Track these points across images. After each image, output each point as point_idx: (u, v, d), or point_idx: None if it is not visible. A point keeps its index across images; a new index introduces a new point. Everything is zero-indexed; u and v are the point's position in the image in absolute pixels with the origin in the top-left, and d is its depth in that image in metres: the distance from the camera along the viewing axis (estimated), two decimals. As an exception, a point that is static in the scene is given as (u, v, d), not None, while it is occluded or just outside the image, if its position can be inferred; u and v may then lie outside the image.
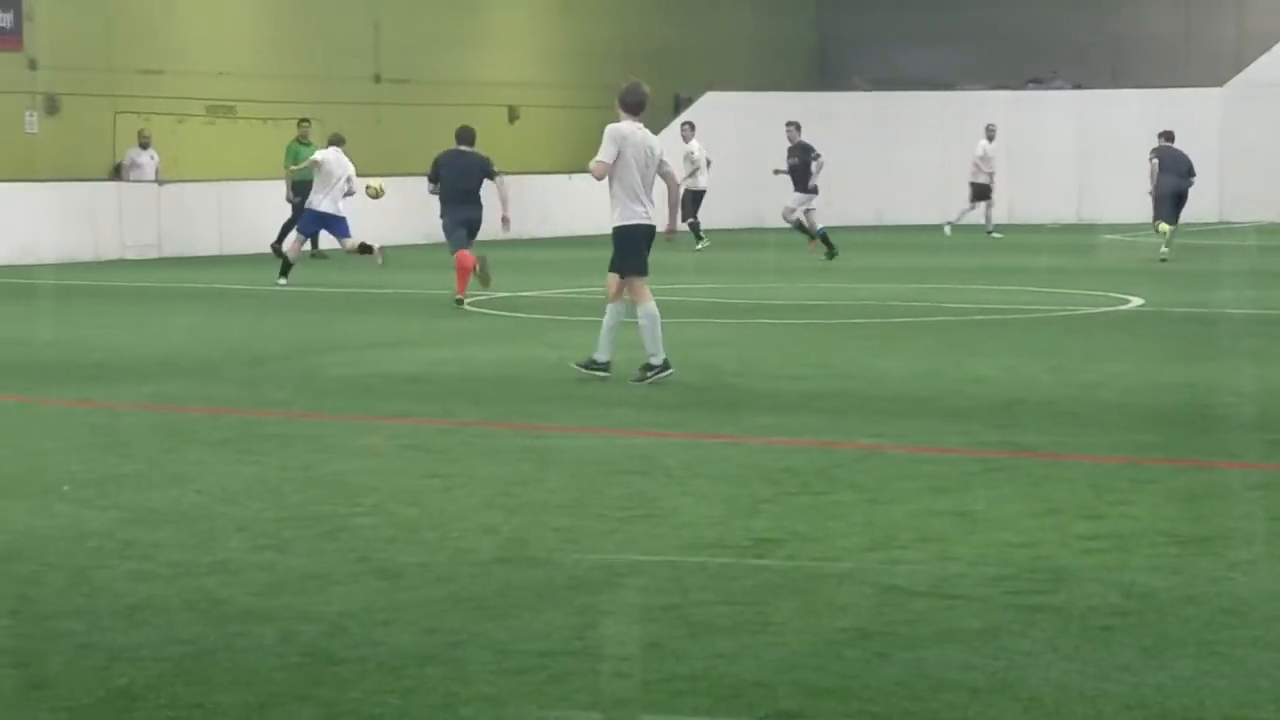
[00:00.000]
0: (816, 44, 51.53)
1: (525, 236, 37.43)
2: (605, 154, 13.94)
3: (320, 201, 23.90)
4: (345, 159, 24.23)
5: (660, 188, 14.18)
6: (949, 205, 39.19)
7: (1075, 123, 43.64)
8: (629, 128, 14.01)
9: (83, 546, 8.08)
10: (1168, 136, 30.46)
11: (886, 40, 49.68)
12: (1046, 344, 16.55)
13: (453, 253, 21.41)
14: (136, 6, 34.59)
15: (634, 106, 14.09)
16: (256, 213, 33.16)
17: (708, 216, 35.70)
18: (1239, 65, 44.05)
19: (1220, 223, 41.39)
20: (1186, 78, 44.44)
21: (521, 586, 7.27)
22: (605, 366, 13.92)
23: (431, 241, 35.76)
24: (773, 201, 38.81)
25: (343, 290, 23.98)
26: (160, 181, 31.92)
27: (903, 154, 42.83)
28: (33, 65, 32.84)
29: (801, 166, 31.73)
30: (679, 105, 43.85)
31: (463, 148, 22.18)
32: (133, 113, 33.96)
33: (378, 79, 39.44)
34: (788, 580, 7.37)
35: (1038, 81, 46.77)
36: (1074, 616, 6.75)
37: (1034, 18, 48.52)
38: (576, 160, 42.35)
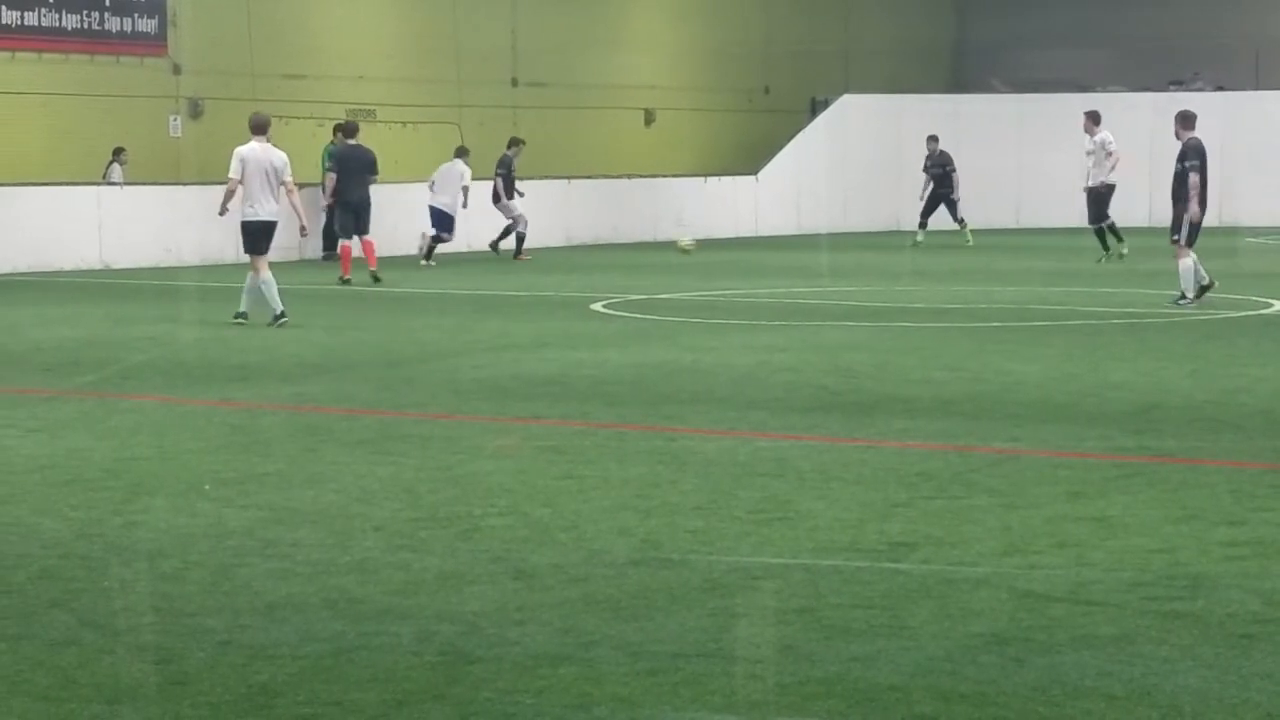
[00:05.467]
0: (954, 46, 51.18)
1: (659, 239, 37.53)
2: (233, 171, 19.20)
3: (441, 200, 29.33)
4: (466, 167, 29.81)
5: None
6: (1081, 206, 38.64)
7: (1217, 125, 42.98)
8: (248, 149, 19.01)
9: (223, 545, 8.20)
10: None
11: (1024, 42, 49.22)
12: (1185, 348, 16.34)
13: (344, 239, 25.00)
14: (277, 11, 35.04)
15: (256, 129, 19.12)
16: (396, 217, 33.45)
17: (845, 219, 35.57)
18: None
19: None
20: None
21: (655, 588, 7.29)
22: (244, 316, 19.12)
23: (569, 244, 35.97)
24: (913, 203, 38.69)
25: (479, 293, 24.15)
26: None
27: (1041, 156, 42.42)
28: (176, 70, 33.37)
29: (945, 176, 32.51)
30: (815, 108, 43.74)
31: (350, 141, 25.32)
32: (275, 116, 34.37)
33: (515, 83, 39.67)
34: (923, 585, 7.33)
35: (1179, 83, 46.15)
36: (1213, 624, 6.67)
37: (1174, 19, 47.90)
38: (713, 163, 42.48)
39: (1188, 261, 20.32)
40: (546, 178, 37.24)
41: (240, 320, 19.17)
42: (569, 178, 37.52)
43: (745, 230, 38.25)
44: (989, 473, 9.90)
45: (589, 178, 38.14)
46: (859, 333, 18.10)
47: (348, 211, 25.73)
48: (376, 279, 25.05)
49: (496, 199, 32.21)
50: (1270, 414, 12.15)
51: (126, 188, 30.88)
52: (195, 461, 10.54)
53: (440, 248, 30.37)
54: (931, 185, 35.42)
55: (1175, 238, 20.39)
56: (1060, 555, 7.84)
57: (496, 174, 32.29)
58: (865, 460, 10.37)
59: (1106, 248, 29.08)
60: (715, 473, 9.95)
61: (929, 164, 35.53)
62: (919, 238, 35.08)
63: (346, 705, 5.82)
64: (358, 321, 20.07)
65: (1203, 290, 20.42)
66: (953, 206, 35.43)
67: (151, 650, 6.51)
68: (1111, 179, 29.36)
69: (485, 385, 14.09)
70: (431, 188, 30.51)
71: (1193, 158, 20.43)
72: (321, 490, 9.54)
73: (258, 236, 19.45)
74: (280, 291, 19.21)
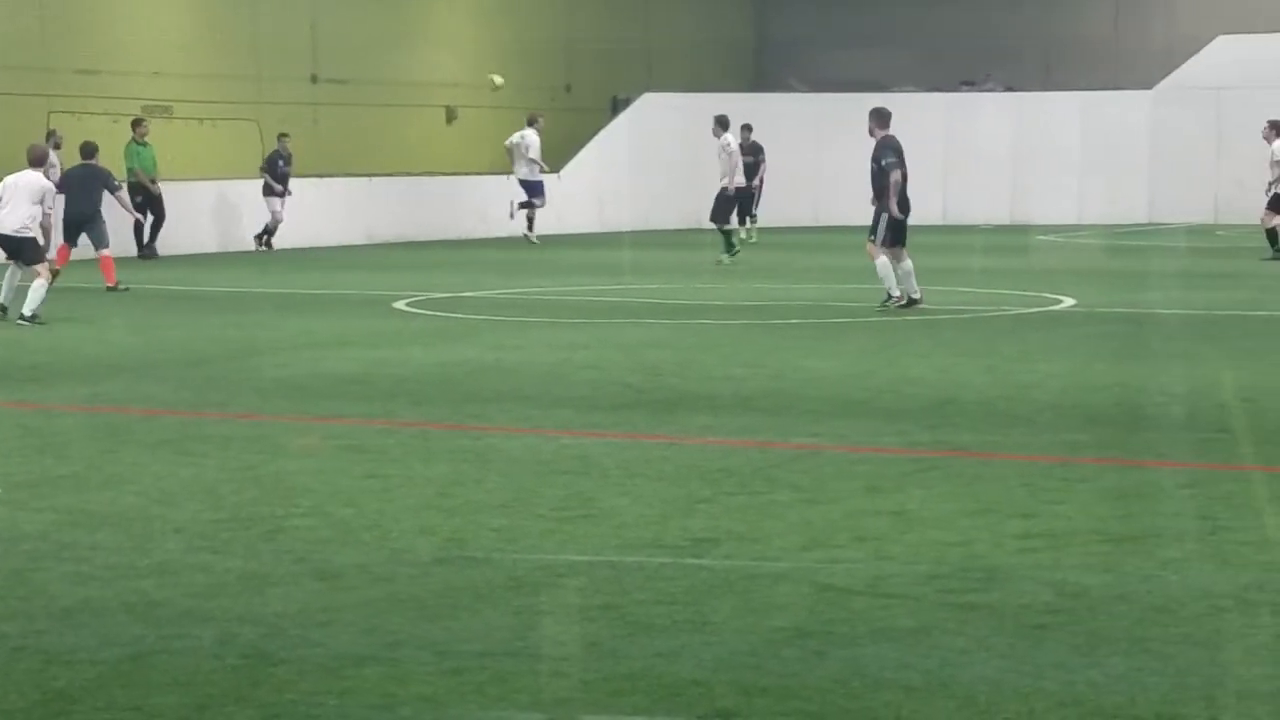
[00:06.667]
0: (754, 45, 51.65)
1: (462, 236, 37.42)
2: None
3: (521, 171, 34.12)
4: (535, 137, 34.09)
5: None
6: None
7: (1008, 125, 43.90)
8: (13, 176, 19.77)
9: (18, 549, 8.05)
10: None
11: (822, 42, 49.82)
12: (980, 344, 16.67)
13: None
14: (70, 6, 34.37)
15: (35, 162, 19.91)
16: (187, 213, 32.97)
17: (647, 217, 35.78)
18: (1168, 68, 44.42)
19: (1150, 224, 41.73)
20: (1116, 80, 44.78)
21: (460, 587, 7.30)
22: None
23: (370, 242, 35.74)
24: (710, 202, 38.93)
25: (279, 291, 23.91)
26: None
27: (838, 155, 42.93)
28: (-35, 64, 32.60)
29: (755, 166, 32.92)
30: (617, 106, 43.88)
31: (88, 161, 25.04)
32: (67, 112, 33.74)
33: (315, 79, 39.31)
34: (725, 580, 7.41)
35: (970, 83, 47.03)
36: (1007, 615, 6.82)
37: (967, 21, 48.77)
38: (514, 161, 42.27)
39: (883, 260, 19.73)
40: (348, 175, 36.97)
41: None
42: (370, 175, 37.28)
43: (548, 228, 38.26)
44: (790, 468, 10.03)
45: (390, 175, 37.93)
46: (661, 330, 18.22)
47: (73, 227, 24.91)
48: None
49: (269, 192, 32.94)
50: (1060, 408, 12.44)
51: (-87, 184, 30.08)
52: (-12, 464, 10.33)
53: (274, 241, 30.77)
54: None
55: (872, 238, 19.80)
56: (859, 549, 7.97)
57: (261, 169, 32.71)
58: (668, 457, 10.45)
59: (731, 246, 28.91)
60: (519, 471, 9.96)
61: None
62: (747, 234, 35.13)
63: (147, 710, 5.75)
64: (156, 320, 19.77)
65: (912, 302, 19.75)
66: (750, 200, 35.53)
67: (-55, 657, 6.38)
68: (739, 181, 29.58)
69: (287, 384, 13.97)
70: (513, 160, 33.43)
71: (890, 155, 19.69)
72: (120, 492, 9.40)
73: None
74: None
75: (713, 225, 29.79)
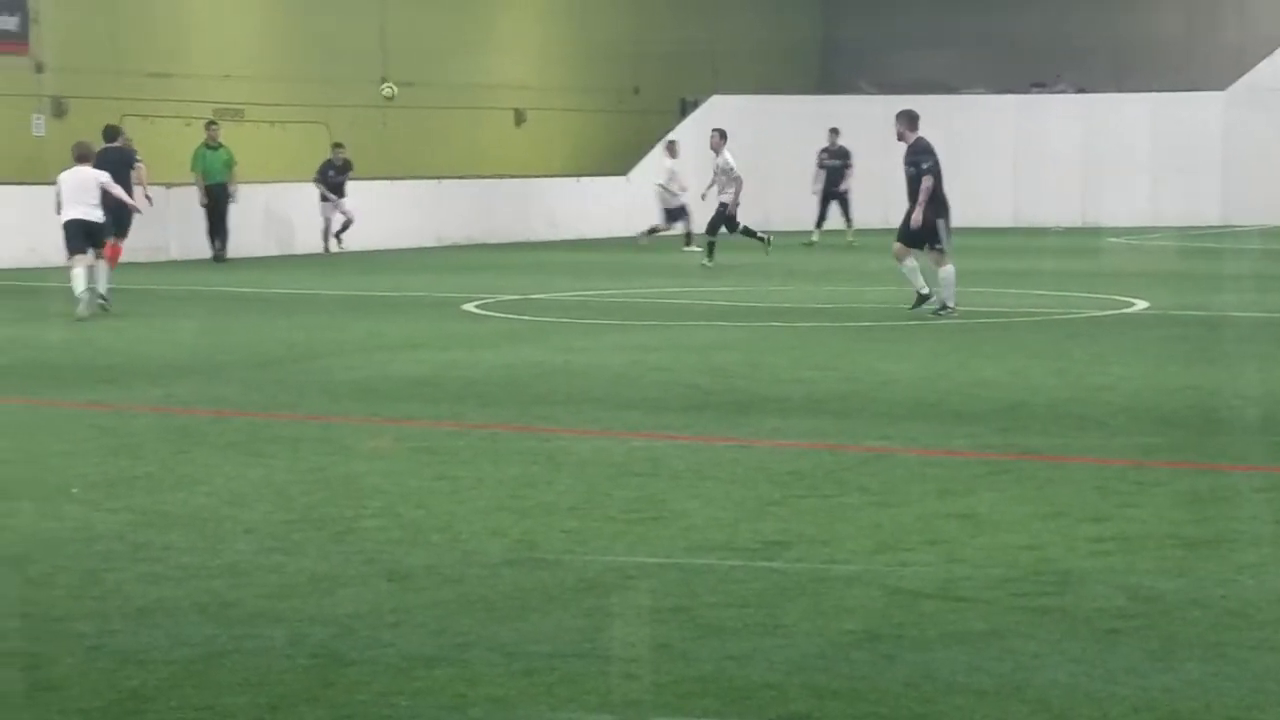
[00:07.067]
0: (822, 47, 51.54)
1: (533, 239, 37.49)
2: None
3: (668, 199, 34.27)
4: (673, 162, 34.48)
5: None
6: (953, 207, 39.06)
7: (1079, 127, 43.65)
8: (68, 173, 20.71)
9: (93, 549, 8.10)
10: None
11: (891, 44, 49.66)
12: (1052, 347, 16.56)
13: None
14: (143, 9, 34.64)
15: (80, 158, 20.91)
16: (256, 216, 33.20)
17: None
18: (1241, 69, 44.07)
19: (1223, 226, 41.42)
20: (1189, 82, 44.47)
21: (530, 588, 7.30)
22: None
23: (440, 244, 35.87)
24: (780, 203, 38.95)
25: (350, 293, 24.02)
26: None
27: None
28: (39, 68, 32.90)
29: (842, 170, 33.45)
30: (685, 108, 43.86)
31: (111, 144, 25.64)
32: (139, 116, 34.01)
33: (384, 82, 39.45)
34: (796, 582, 7.39)
35: (1041, 85, 46.79)
36: (1080, 619, 6.77)
37: (1037, 22, 48.53)
38: (583, 163, 42.50)
39: (949, 269, 19.21)
40: (417, 178, 37.11)
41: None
42: (439, 178, 37.41)
43: (617, 230, 38.27)
44: (860, 471, 9.99)
45: (460, 178, 38.04)
46: (731, 332, 18.19)
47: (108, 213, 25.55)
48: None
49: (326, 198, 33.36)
50: (1133, 411, 12.34)
51: (-13, 187, 30.40)
52: (62, 464, 10.41)
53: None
54: (825, 179, 35.64)
55: (939, 246, 19.15)
56: (931, 552, 7.93)
57: (315, 179, 33.37)
58: (738, 459, 10.43)
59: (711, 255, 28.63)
60: (590, 473, 9.96)
61: (825, 157, 35.72)
62: (814, 237, 35.22)
63: (219, 710, 5.77)
64: (227, 322, 19.90)
65: (922, 300, 19.38)
66: (845, 203, 35.70)
67: (20, 656, 6.42)
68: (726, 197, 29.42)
69: (357, 386, 14.02)
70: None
71: (929, 159, 19.13)
72: (192, 493, 9.45)
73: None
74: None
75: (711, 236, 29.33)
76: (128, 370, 15.29)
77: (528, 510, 8.91)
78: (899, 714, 5.69)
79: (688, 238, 34.68)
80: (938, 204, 19.27)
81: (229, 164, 31.63)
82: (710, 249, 28.67)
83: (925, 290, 19.48)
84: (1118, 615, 6.82)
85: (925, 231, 19.24)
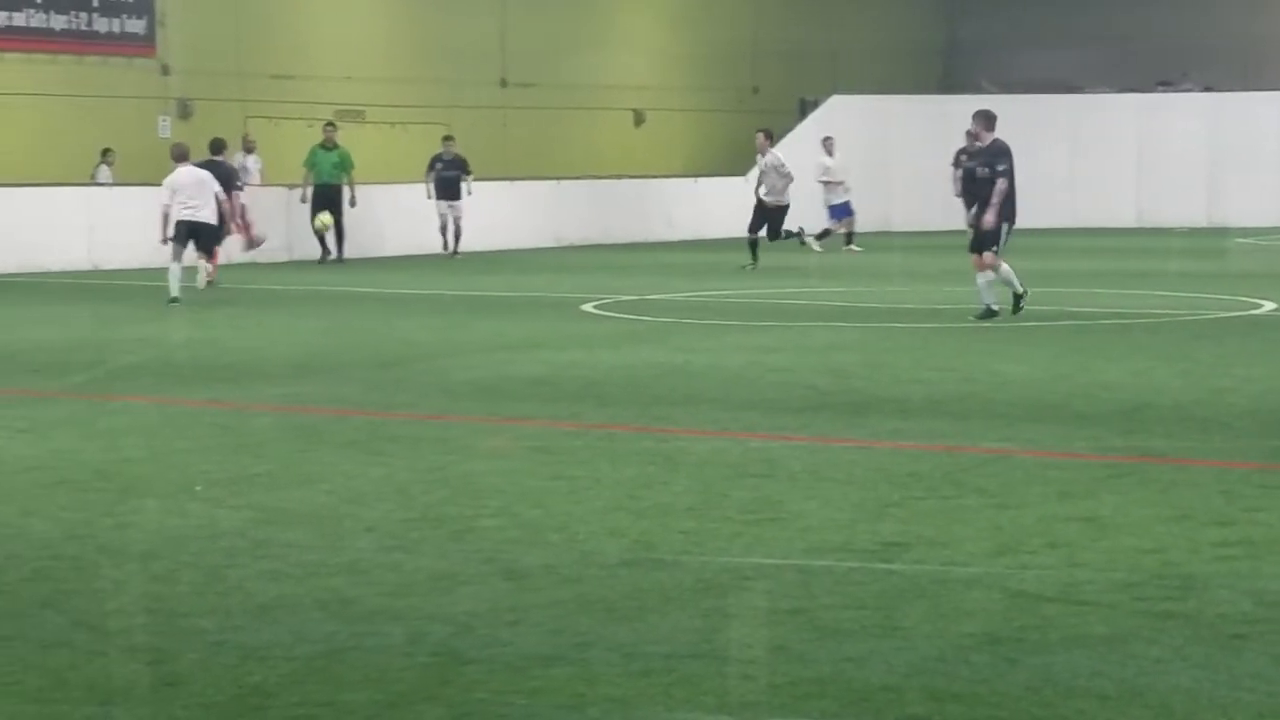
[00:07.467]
0: (943, 47, 51.23)
1: (651, 240, 37.53)
2: (164, 196, 22.72)
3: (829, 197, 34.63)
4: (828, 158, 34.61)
5: None
6: (1076, 207, 38.81)
7: (1205, 126, 43.11)
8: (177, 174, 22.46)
9: (215, 546, 8.19)
10: None
11: (1013, 43, 49.28)
12: (1175, 348, 16.36)
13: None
14: (266, 12, 35.03)
15: (179, 158, 22.72)
16: (386, 217, 33.48)
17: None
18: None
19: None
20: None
21: (648, 589, 7.30)
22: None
23: (559, 245, 35.99)
24: (900, 204, 38.74)
25: (470, 293, 24.15)
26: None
27: (1031, 158, 42.44)
28: (165, 71, 33.37)
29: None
30: (804, 108, 43.74)
31: (214, 158, 25.93)
32: (263, 117, 34.41)
33: (504, 83, 39.67)
34: (915, 584, 7.34)
35: (1167, 83, 46.24)
36: (1204, 624, 6.68)
37: (1163, 19, 47.96)
38: (702, 164, 42.49)
39: (998, 272, 18.74)
40: (536, 178, 37.25)
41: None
42: (558, 178, 37.53)
43: (735, 231, 38.24)
44: (980, 473, 9.91)
45: (578, 178, 38.15)
46: (850, 333, 18.12)
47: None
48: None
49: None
50: (1259, 414, 12.17)
51: (115, 188, 30.85)
52: (186, 462, 10.53)
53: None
54: (964, 179, 35.32)
55: (994, 249, 18.63)
56: (1051, 555, 7.85)
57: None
58: (857, 460, 10.38)
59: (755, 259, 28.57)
60: (707, 473, 9.95)
61: (965, 158, 35.40)
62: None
63: (339, 706, 5.82)
64: (347, 322, 20.07)
65: (992, 313, 18.76)
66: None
67: (143, 651, 6.50)
68: (785, 200, 29.57)
69: (476, 386, 14.09)
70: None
71: (1005, 161, 18.66)
72: (313, 491, 9.53)
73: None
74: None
75: (780, 238, 29.52)
76: (250, 370, 15.46)
77: (645, 511, 8.92)
78: (1019, 718, 5.64)
79: (848, 237, 34.66)
80: (1008, 207, 18.85)
81: (340, 166, 31.57)
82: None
83: (1021, 289, 19.07)
84: (1243, 620, 6.72)
85: (991, 234, 18.79)
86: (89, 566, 7.85)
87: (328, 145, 31.74)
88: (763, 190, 29.91)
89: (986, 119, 19.15)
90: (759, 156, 30.60)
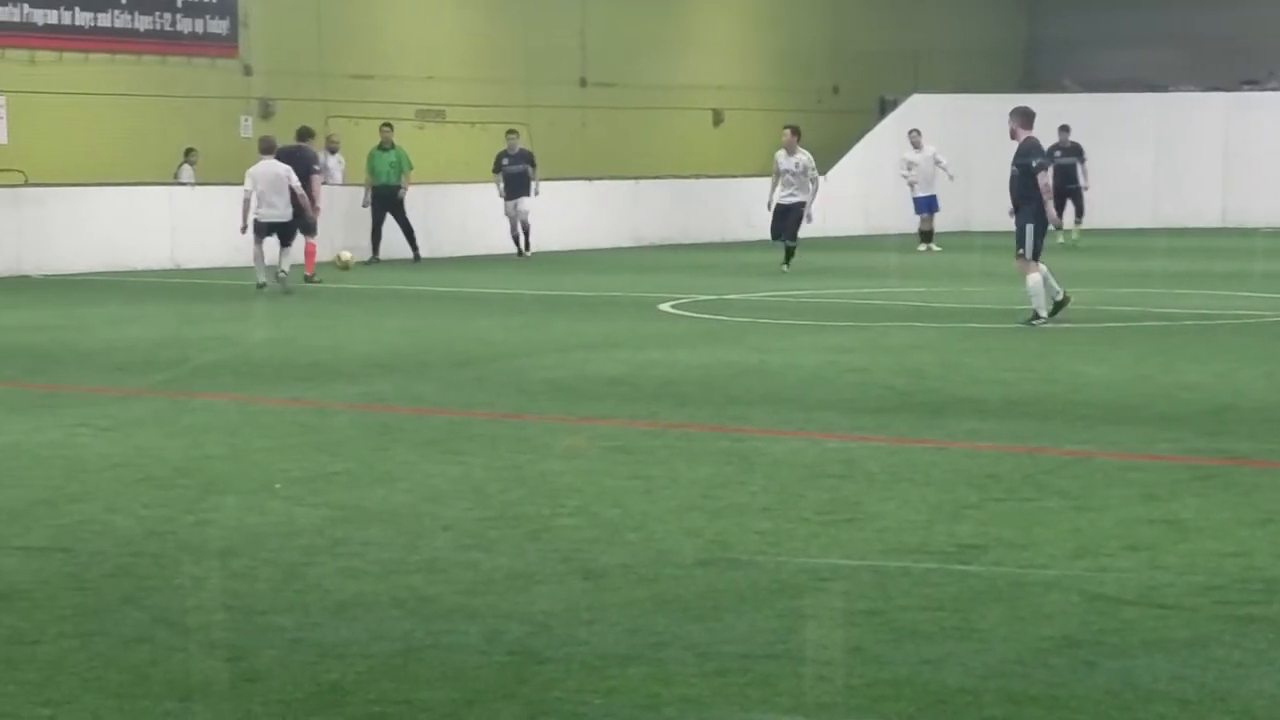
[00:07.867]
0: (1025, 46, 50.92)
1: (729, 239, 37.49)
2: (247, 185, 24.08)
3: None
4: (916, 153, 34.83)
5: None
6: (1160, 207, 38.44)
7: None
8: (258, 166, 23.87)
9: (294, 543, 8.24)
10: None
11: (1096, 42, 48.92)
12: (1260, 350, 16.20)
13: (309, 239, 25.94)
14: (347, 13, 35.22)
15: (265, 150, 23.79)
16: (465, 216, 33.59)
17: (914, 219, 35.51)
18: None
19: None
20: None
21: (724, 589, 7.28)
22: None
23: (637, 244, 36.01)
24: (982, 203, 38.46)
25: (548, 293, 24.20)
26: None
27: (1113, 158, 42.17)
28: (248, 71, 33.59)
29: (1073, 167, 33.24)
30: (884, 107, 43.58)
31: (301, 143, 26.51)
32: (344, 117, 34.59)
33: (584, 83, 39.73)
34: (993, 587, 7.30)
35: (1253, 83, 45.78)
36: (1288, 629, 6.61)
37: (1247, 18, 47.49)
38: (781, 163, 42.24)
39: (1037, 277, 18.32)
40: (615, 178, 37.28)
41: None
42: (637, 178, 37.54)
43: (813, 230, 38.21)
44: (1059, 474, 9.84)
45: (657, 178, 38.15)
46: (927, 333, 18.03)
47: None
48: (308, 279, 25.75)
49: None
50: (1345, 416, 12.03)
51: (198, 188, 31.09)
52: (266, 460, 10.60)
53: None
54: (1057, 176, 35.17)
55: (1021, 251, 18.32)
56: (1132, 558, 7.79)
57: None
58: (934, 461, 10.33)
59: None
60: (783, 473, 9.93)
61: (1058, 155, 35.23)
62: (1073, 235, 34.62)
63: (416, 704, 5.84)
64: (424, 321, 20.15)
65: (1058, 306, 18.47)
66: (1079, 200, 35.30)
67: (223, 648, 6.55)
68: (802, 199, 27.73)
69: (553, 385, 14.12)
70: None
71: (1040, 156, 18.45)
72: (391, 489, 9.57)
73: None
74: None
75: (794, 241, 27.87)
76: (329, 368, 15.54)
77: (721, 511, 8.91)
78: (1098, 722, 5.59)
79: (925, 235, 34.50)
80: (1036, 210, 18.45)
81: (397, 166, 31.54)
82: (790, 254, 27.70)
83: (1060, 295, 18.60)
84: (1327, 625, 6.64)
85: (1017, 234, 18.47)
86: (170, 563, 7.91)
87: (385, 146, 31.80)
88: (779, 194, 27.87)
89: (1024, 116, 18.80)
90: (782, 154, 27.92)
